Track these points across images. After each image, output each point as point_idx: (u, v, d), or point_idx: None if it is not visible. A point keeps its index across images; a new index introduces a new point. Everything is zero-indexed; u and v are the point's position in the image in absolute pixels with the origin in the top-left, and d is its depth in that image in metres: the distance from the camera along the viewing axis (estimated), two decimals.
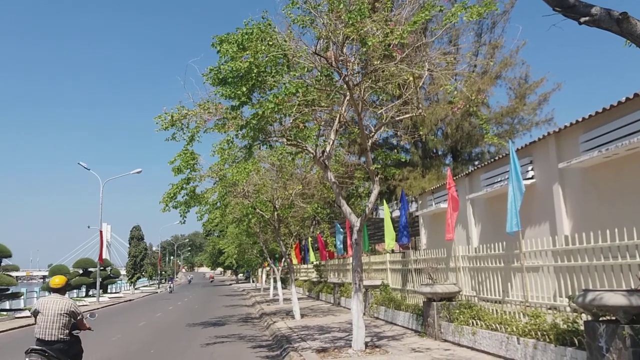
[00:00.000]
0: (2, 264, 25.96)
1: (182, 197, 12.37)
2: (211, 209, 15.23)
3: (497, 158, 14.83)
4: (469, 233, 16.32)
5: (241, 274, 78.33)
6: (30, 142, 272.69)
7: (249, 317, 20.43)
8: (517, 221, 9.21)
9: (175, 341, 13.99)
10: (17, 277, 29.32)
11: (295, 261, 29.26)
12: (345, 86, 9.08)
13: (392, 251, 18.64)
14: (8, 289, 25.36)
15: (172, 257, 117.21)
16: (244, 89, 8.69)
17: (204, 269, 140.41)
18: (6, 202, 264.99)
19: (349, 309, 17.57)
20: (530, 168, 13.23)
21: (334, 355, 9.45)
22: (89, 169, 37.63)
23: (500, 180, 14.23)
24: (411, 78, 9.36)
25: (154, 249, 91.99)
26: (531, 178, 13.09)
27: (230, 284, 69.05)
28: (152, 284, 70.45)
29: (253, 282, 59.73)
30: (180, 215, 12.78)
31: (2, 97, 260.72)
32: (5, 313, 23.09)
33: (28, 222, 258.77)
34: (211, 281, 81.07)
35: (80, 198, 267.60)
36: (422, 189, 21.14)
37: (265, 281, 44.30)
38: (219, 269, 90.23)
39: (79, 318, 6.84)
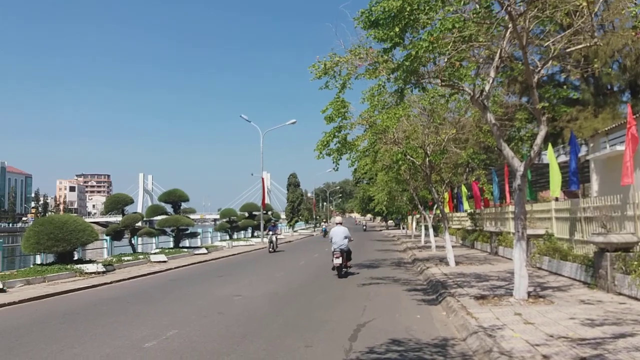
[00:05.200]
0: (182, 207, 29.30)
1: (335, 144, 12.64)
2: (361, 156, 15.37)
3: None
4: None
5: (391, 221, 79.20)
6: (201, 98, 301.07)
7: (402, 261, 20.67)
8: None
9: (333, 280, 14.69)
10: (193, 219, 32.82)
11: (447, 209, 28.63)
12: (507, 17, 8.30)
13: (556, 199, 17.26)
14: (187, 229, 28.68)
15: (324, 203, 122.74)
16: (397, 29, 8.39)
17: (354, 215, 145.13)
18: (183, 154, 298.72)
19: (508, 258, 16.87)
20: None
21: (494, 302, 9.13)
22: (249, 121, 40.42)
23: None
24: (584, 3, 8.20)
25: (309, 195, 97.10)
26: None
27: (381, 230, 70.39)
28: (309, 227, 74.60)
29: (403, 228, 60.13)
30: (333, 162, 13.12)
31: (184, 63, 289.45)
32: (185, 250, 26.25)
33: (201, 171, 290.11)
34: (364, 227, 79.06)
35: (243, 148, 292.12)
36: (594, 130, 18.99)
37: (416, 228, 44.25)
38: (369, 216, 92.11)
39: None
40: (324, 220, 62.19)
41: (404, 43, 8.81)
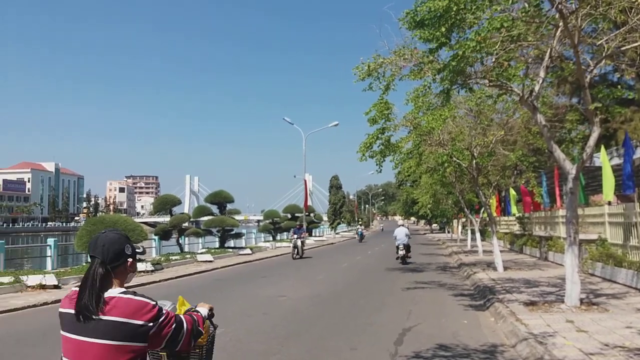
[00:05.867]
0: (227, 208, 29.81)
1: (378, 146, 12.54)
2: (405, 158, 15.20)
3: None
4: None
5: (435, 224, 78.04)
6: (244, 105, 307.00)
7: (447, 266, 20.35)
8: None
9: (376, 283, 14.62)
10: (238, 220, 33.33)
11: (494, 213, 27.96)
12: (557, 15, 8.05)
13: (609, 203, 16.60)
14: (232, 230, 29.18)
15: (367, 206, 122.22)
16: (443, 29, 8.28)
17: (396, 218, 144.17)
18: (227, 156, 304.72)
19: (558, 264, 16.32)
20: None
21: (544, 309, 8.86)
22: (292, 124, 40.77)
23: None
24: None
25: (351, 197, 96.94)
26: None
27: (425, 234, 69.50)
28: (351, 230, 74.38)
29: (448, 232, 59.16)
30: (377, 165, 13.03)
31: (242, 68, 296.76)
32: (230, 250, 26.70)
33: (245, 173, 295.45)
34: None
35: (286, 150, 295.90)
36: None
37: (461, 232, 43.45)
38: (412, 219, 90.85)
39: None
40: (360, 223, 60.63)
41: (450, 43, 8.69)
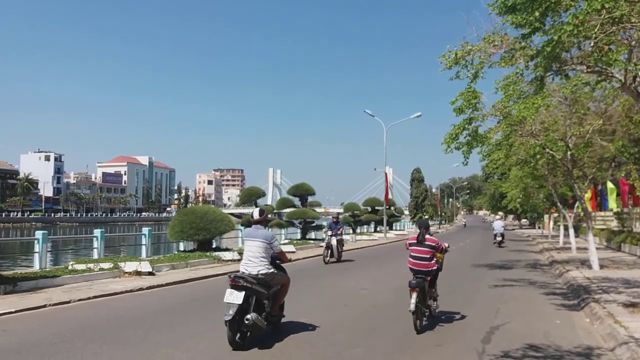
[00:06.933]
0: (308, 200, 30.25)
1: (464, 137, 12.10)
2: (494, 150, 14.60)
3: None
4: None
5: (524, 219, 74.61)
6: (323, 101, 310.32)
7: (537, 263, 19.39)
8: None
9: (462, 280, 14.22)
10: (318, 212, 33.72)
11: (589, 207, 26.24)
12: None
13: None
14: (313, 222, 29.60)
15: (450, 200, 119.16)
16: (537, 13, 7.83)
17: (481, 213, 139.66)
18: (310, 151, 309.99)
19: None
20: None
21: None
22: (373, 116, 40.50)
23: None
24: None
25: (433, 190, 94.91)
26: None
27: (513, 229, 66.66)
28: (433, 224, 72.87)
29: (538, 228, 56.37)
30: (463, 156, 12.59)
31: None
32: (312, 242, 27.08)
33: (325, 165, 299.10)
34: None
35: (366, 143, 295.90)
36: None
37: (553, 228, 41.23)
38: (500, 213, 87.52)
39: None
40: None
41: (545, 28, 8.20)
